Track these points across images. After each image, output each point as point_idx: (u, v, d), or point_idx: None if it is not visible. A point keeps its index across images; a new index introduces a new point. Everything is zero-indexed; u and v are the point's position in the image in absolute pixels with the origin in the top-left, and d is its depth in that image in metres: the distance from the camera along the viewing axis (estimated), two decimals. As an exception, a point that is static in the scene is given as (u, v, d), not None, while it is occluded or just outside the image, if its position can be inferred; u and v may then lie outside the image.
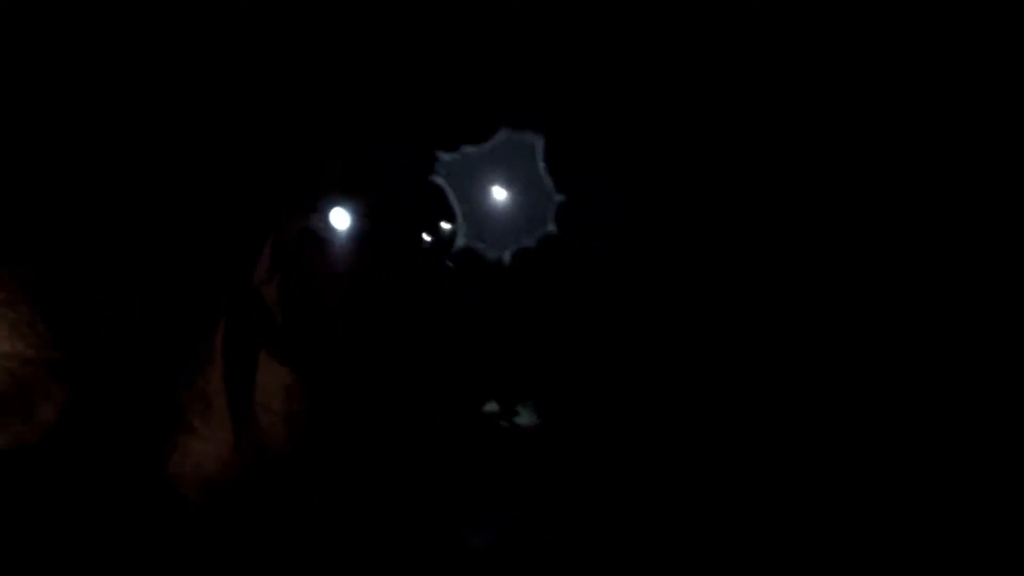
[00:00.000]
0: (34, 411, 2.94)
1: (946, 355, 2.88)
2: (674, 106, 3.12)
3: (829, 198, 3.15)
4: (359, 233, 2.99)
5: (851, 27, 3.00)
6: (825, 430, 3.00)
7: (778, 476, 3.04)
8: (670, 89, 3.12)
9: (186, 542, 3.04)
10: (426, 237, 3.04)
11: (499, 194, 2.98)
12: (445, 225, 3.33)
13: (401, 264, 3.04)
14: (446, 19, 3.19)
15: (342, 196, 3.17)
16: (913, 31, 2.92)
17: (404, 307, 3.01)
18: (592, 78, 3.05)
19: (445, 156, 2.96)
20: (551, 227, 3.02)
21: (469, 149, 2.96)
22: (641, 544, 3.04)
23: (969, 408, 2.82)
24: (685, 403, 3.25)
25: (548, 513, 3.27)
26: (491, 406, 3.17)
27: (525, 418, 3.22)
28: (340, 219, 2.97)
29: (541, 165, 2.97)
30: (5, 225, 3.08)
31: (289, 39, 3.33)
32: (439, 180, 2.99)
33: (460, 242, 3.02)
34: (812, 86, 3.11)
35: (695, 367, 3.28)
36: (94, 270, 3.20)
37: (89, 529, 2.96)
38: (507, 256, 3.01)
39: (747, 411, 3.17)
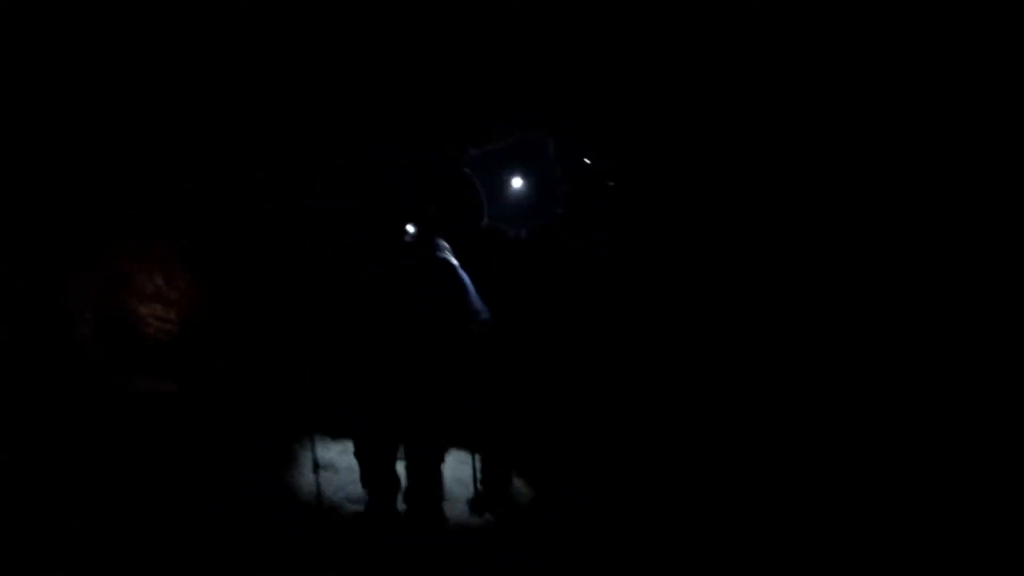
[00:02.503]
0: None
1: (946, 354, 2.75)
2: (672, 104, 3.39)
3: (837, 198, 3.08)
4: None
5: (851, 27, 2.98)
6: (823, 429, 2.97)
7: (776, 475, 3.00)
8: (670, 89, 3.39)
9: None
10: (410, 229, 3.12)
11: (517, 182, 3.56)
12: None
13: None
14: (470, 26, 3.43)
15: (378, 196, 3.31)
16: (913, 31, 2.86)
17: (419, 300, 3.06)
18: (596, 83, 3.44)
19: (474, 151, 3.56)
20: (559, 210, 3.60)
21: (493, 146, 3.55)
22: (640, 543, 2.99)
23: (969, 407, 2.68)
24: (685, 403, 3.33)
25: (548, 513, 3.29)
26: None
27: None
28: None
29: (552, 159, 3.56)
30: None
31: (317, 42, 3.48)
32: (468, 171, 3.58)
33: (484, 222, 3.58)
34: (813, 86, 3.09)
35: (694, 366, 3.35)
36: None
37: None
38: (523, 233, 3.59)
39: (746, 411, 3.19)
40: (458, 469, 3.65)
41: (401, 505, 3.25)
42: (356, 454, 3.24)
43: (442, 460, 3.27)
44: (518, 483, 3.60)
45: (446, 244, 3.24)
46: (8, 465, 2.97)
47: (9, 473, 2.95)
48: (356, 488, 3.37)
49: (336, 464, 3.76)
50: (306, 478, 3.53)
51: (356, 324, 3.07)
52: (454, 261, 3.15)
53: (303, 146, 3.82)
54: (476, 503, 3.43)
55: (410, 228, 3.15)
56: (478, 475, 3.43)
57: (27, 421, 3.09)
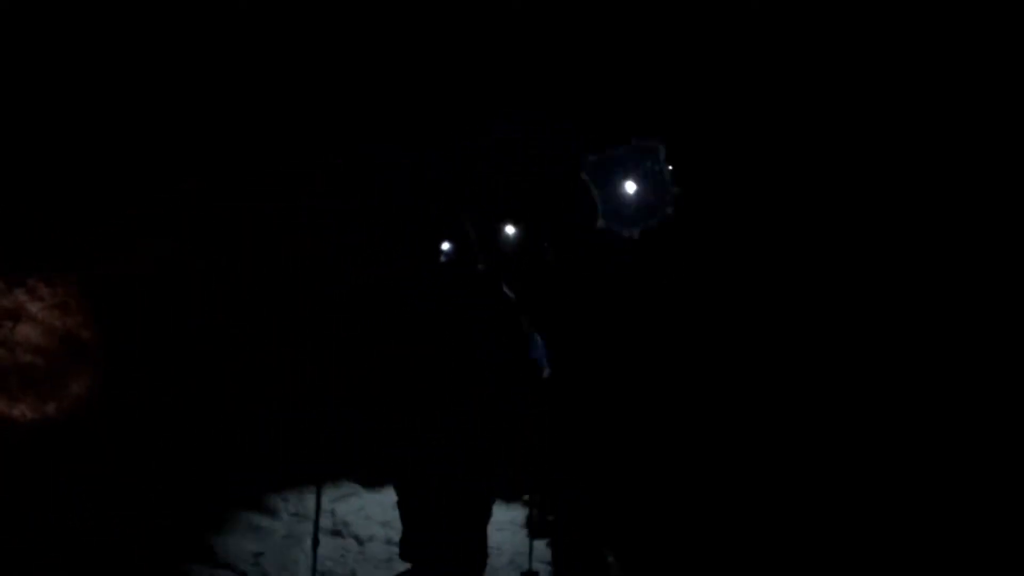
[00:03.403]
0: (65, 386, 3.17)
1: (945, 354, 2.74)
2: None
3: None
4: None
5: (851, 27, 3.04)
6: (821, 428, 2.98)
7: (774, 474, 2.99)
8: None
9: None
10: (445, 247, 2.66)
11: (630, 186, 3.78)
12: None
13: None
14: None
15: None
16: (913, 31, 2.91)
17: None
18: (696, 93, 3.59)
19: (591, 157, 3.83)
20: (670, 211, 3.78)
21: (611, 151, 3.80)
22: (640, 542, 2.96)
23: (968, 407, 2.66)
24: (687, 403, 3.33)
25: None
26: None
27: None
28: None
29: (663, 163, 3.75)
30: (62, 225, 3.24)
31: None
32: (585, 176, 3.85)
33: (600, 223, 3.81)
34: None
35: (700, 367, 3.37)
36: (134, 271, 3.46)
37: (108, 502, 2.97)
38: (635, 234, 3.78)
39: (745, 411, 3.20)
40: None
41: None
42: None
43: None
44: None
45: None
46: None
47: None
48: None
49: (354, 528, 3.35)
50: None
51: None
52: (497, 281, 2.63)
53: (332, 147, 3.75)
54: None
55: (445, 246, 2.66)
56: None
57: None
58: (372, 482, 3.77)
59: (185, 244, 3.63)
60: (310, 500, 3.37)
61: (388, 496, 2.98)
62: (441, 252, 2.65)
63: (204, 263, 3.69)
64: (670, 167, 3.72)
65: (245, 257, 3.78)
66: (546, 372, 2.84)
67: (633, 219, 3.77)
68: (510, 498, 3.69)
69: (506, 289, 2.56)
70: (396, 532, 2.70)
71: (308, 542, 2.65)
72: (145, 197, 3.52)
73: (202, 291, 3.70)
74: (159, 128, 3.49)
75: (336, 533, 3.38)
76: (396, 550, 2.58)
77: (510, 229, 3.26)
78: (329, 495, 3.61)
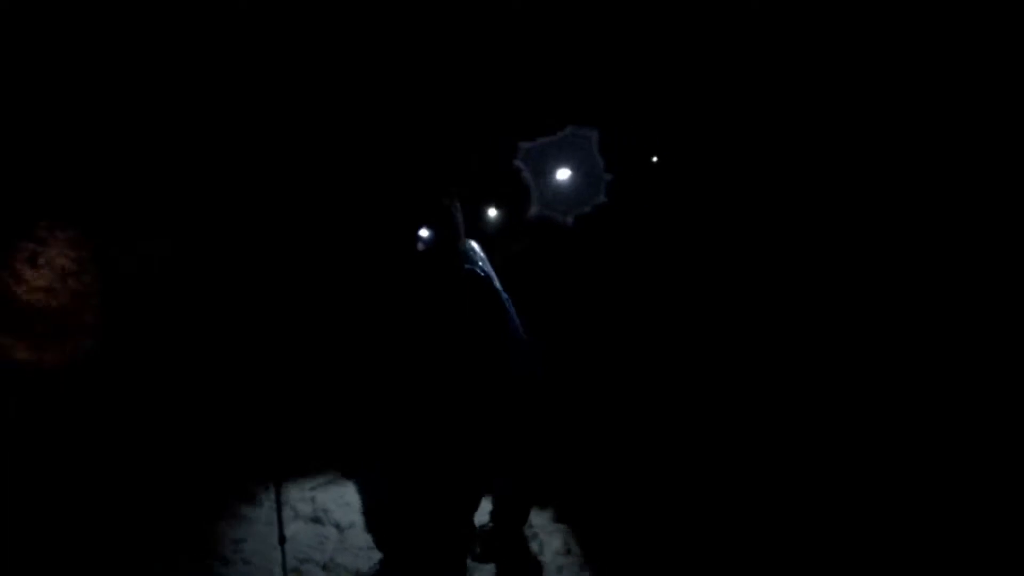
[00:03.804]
0: (71, 334, 3.31)
1: (945, 354, 2.80)
2: (693, 102, 3.67)
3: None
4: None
5: (851, 27, 3.07)
6: (819, 427, 3.03)
7: (770, 474, 3.02)
8: (689, 87, 3.66)
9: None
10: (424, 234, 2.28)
11: (564, 173, 3.84)
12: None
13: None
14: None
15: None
16: (912, 31, 2.94)
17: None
18: (637, 83, 3.72)
19: (524, 145, 3.82)
20: (603, 198, 3.92)
21: (543, 140, 3.80)
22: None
23: (967, 407, 2.71)
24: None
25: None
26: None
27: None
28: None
29: (596, 151, 3.82)
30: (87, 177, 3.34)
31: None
32: (519, 163, 3.86)
33: (534, 210, 3.89)
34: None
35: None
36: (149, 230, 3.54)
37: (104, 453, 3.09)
38: (570, 220, 3.92)
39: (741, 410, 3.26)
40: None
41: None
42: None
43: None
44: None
45: (478, 250, 2.49)
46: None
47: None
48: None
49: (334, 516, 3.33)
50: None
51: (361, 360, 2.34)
52: (489, 273, 2.37)
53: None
54: (483, 549, 2.93)
55: (424, 232, 2.31)
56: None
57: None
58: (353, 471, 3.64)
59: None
60: (293, 489, 3.58)
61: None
62: (419, 239, 2.31)
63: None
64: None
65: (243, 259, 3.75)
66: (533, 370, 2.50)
67: (567, 206, 3.91)
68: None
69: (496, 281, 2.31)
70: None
71: (287, 529, 2.67)
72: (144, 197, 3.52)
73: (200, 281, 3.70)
74: (158, 128, 3.44)
75: (316, 520, 3.42)
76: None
77: (492, 212, 3.05)
78: (309, 483, 3.67)
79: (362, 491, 2.57)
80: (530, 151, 3.83)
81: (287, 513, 3.34)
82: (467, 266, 2.33)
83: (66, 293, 3.37)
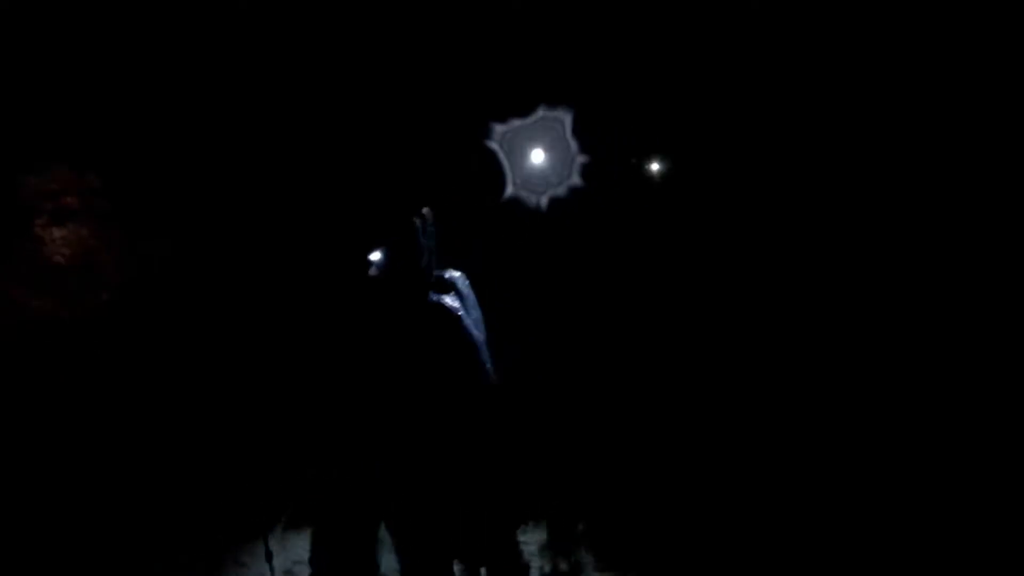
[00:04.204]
0: (98, 287, 3.34)
1: (944, 354, 2.80)
2: (672, 92, 3.65)
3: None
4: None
5: (851, 27, 3.05)
6: (818, 427, 3.02)
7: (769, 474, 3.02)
8: (671, 77, 3.64)
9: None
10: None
11: (538, 155, 3.87)
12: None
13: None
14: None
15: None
16: (912, 31, 2.92)
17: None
18: (608, 68, 3.69)
19: (498, 127, 3.84)
20: (576, 180, 3.94)
21: (516, 122, 3.83)
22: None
23: (967, 407, 2.71)
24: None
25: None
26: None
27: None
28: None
29: (569, 134, 3.85)
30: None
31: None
32: (493, 145, 3.89)
33: (509, 191, 3.93)
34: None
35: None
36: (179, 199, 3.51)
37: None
38: (543, 201, 3.95)
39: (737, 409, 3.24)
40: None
41: None
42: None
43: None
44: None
45: (459, 278, 2.09)
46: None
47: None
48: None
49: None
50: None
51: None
52: (465, 308, 1.98)
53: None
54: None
55: (375, 256, 1.95)
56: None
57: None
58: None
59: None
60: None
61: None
62: (370, 263, 1.98)
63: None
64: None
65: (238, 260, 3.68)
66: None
67: (541, 187, 3.93)
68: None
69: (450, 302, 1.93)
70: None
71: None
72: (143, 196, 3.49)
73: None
74: (157, 128, 3.39)
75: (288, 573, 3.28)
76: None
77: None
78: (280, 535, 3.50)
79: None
80: (504, 133, 3.85)
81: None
82: (433, 298, 1.94)
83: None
